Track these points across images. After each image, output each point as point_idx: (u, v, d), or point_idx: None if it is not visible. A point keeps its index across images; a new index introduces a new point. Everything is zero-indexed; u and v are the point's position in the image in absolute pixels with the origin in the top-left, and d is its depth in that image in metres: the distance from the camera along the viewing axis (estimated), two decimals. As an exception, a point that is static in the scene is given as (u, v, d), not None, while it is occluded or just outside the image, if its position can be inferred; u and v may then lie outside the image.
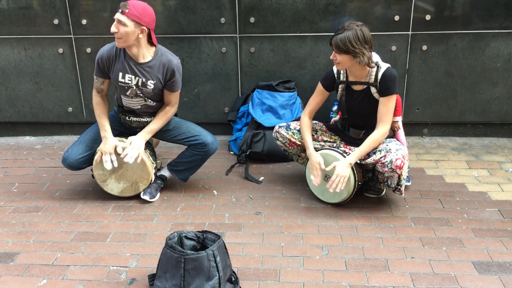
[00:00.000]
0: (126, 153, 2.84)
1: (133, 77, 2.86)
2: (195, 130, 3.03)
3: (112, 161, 2.88)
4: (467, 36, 3.65)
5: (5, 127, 4.24)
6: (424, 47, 3.69)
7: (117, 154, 2.89)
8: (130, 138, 2.91)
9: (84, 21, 3.80)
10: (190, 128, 3.04)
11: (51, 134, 4.24)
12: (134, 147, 2.86)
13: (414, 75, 3.79)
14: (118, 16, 2.68)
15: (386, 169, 2.69)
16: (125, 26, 2.67)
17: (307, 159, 2.98)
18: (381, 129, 2.75)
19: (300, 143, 3.02)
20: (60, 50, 3.90)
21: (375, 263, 2.40)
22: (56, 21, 3.82)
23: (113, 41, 2.84)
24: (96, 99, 2.98)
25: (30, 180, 3.42)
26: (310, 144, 2.91)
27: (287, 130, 3.03)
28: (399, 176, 2.71)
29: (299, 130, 3.02)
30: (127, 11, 2.65)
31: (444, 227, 2.70)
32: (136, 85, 2.88)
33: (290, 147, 3.07)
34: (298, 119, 3.62)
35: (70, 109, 4.08)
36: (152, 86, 2.88)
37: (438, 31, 3.65)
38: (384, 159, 2.69)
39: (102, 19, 3.77)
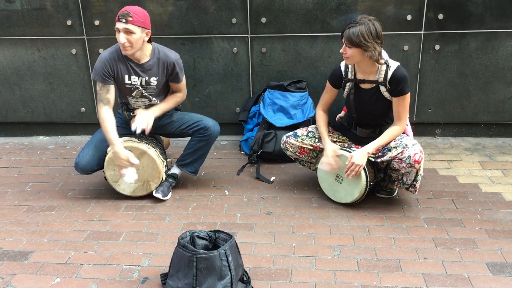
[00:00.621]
0: (136, 125, 2.86)
1: (137, 77, 2.93)
2: (196, 117, 3.09)
3: (131, 174, 2.89)
4: (480, 36, 3.62)
5: (19, 127, 4.29)
6: (437, 47, 3.67)
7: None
8: (138, 110, 2.95)
9: (96, 22, 3.83)
10: (192, 116, 3.11)
11: (64, 134, 4.28)
12: (143, 115, 2.88)
13: (426, 75, 3.76)
14: (123, 26, 2.71)
15: (403, 165, 2.67)
16: (133, 34, 2.72)
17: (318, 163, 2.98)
18: (400, 125, 2.76)
19: (311, 147, 3.00)
20: (73, 51, 3.94)
21: (387, 264, 2.39)
22: (69, 22, 3.86)
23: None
24: (104, 114, 2.88)
25: (43, 179, 3.46)
26: (325, 136, 2.91)
27: (296, 137, 3.02)
28: (417, 171, 2.69)
29: (307, 135, 3.01)
30: (131, 19, 2.69)
31: (457, 228, 2.68)
32: (141, 84, 2.95)
33: (301, 155, 3.05)
34: (305, 122, 3.61)
35: (83, 109, 4.12)
36: (156, 83, 2.96)
37: (451, 31, 3.62)
38: (401, 155, 2.67)
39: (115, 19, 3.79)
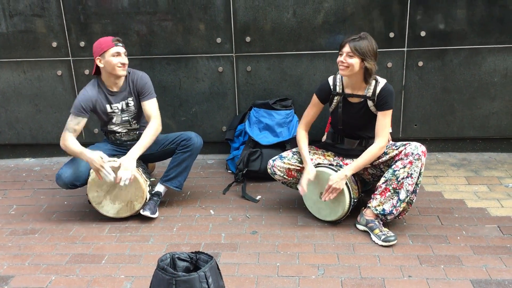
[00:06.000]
0: (120, 177, 2.85)
1: (117, 104, 3.07)
2: (178, 133, 3.17)
3: (109, 174, 2.88)
4: (463, 52, 3.65)
5: (5, 149, 4.26)
6: (420, 63, 3.69)
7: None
8: (120, 159, 2.92)
9: (82, 44, 3.85)
10: (174, 133, 3.19)
11: (51, 155, 4.25)
12: (126, 168, 2.87)
13: (411, 91, 3.79)
14: (122, 48, 2.93)
15: (410, 158, 2.65)
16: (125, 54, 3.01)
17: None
18: (379, 143, 2.76)
19: (299, 168, 2.97)
20: (59, 73, 3.94)
21: (371, 282, 2.37)
22: (54, 44, 3.86)
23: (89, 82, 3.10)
24: (69, 140, 2.95)
25: (28, 202, 3.43)
26: (307, 157, 2.91)
27: (282, 159, 2.99)
28: (421, 168, 2.66)
29: (293, 156, 3.00)
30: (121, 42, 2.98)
31: (443, 245, 2.67)
32: (122, 109, 3.08)
33: (289, 178, 3.02)
34: (290, 140, 3.62)
35: (69, 130, 4.10)
36: (133, 103, 3.09)
37: (434, 47, 3.66)
38: (405, 149, 2.68)
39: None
